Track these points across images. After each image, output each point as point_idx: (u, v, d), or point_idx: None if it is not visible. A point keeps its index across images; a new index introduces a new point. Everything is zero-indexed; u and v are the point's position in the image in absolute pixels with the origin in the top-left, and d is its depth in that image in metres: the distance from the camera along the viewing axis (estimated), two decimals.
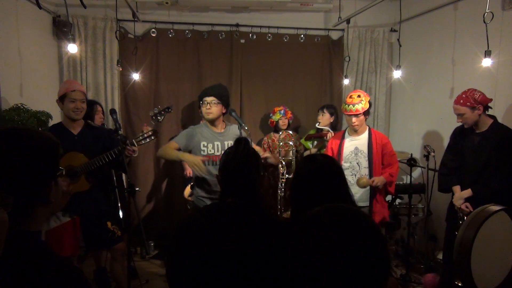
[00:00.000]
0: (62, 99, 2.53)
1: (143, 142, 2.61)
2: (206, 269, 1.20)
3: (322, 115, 3.90)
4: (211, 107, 2.66)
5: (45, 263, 0.88)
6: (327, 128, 3.74)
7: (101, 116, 3.32)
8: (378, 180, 2.78)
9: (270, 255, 1.21)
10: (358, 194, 2.90)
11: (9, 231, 0.83)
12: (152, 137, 2.62)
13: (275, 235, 1.26)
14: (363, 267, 0.70)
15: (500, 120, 3.07)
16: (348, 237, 0.71)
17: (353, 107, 2.82)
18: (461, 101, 2.64)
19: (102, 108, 3.46)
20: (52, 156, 0.91)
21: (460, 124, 2.81)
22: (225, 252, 1.21)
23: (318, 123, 3.87)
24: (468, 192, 2.71)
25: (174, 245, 1.27)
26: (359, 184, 2.77)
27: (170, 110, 2.88)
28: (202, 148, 2.64)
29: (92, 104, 3.33)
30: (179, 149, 2.62)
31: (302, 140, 4.01)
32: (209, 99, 2.67)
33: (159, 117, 2.83)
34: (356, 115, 2.84)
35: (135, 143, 2.59)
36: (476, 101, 2.59)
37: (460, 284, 2.62)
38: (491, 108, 2.70)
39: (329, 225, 0.73)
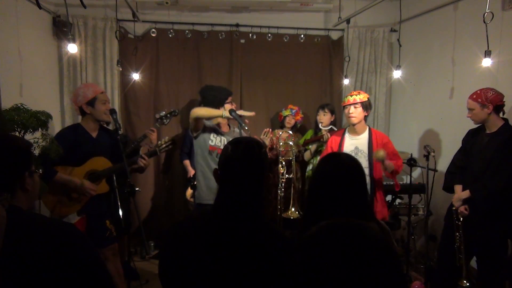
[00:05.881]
0: (91, 102, 2.57)
1: (163, 151, 2.83)
2: (194, 281, 1.13)
3: (324, 114, 3.83)
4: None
5: (37, 220, 1.09)
6: (330, 127, 3.74)
7: None
8: (389, 162, 2.77)
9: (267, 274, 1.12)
10: None
11: None
12: (170, 146, 2.83)
13: (275, 254, 1.14)
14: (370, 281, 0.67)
15: None
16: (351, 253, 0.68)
17: (351, 97, 2.90)
18: (474, 96, 2.65)
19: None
20: (23, 153, 1.15)
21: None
22: (214, 268, 1.12)
23: (320, 123, 3.85)
24: (466, 194, 2.68)
25: (162, 252, 1.23)
26: (378, 155, 2.73)
27: (176, 113, 2.93)
28: (212, 138, 2.86)
29: None
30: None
31: (301, 141, 4.00)
32: (230, 98, 2.95)
33: (165, 120, 2.90)
34: (354, 105, 2.87)
35: (157, 151, 2.78)
36: (487, 99, 2.58)
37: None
38: (503, 111, 2.66)
39: (331, 241, 0.71)
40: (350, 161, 1.43)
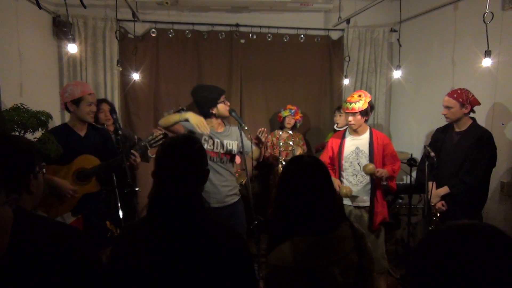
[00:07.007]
0: (77, 101, 2.52)
1: (154, 145, 2.70)
2: None
3: (340, 115, 3.82)
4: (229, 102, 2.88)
5: (41, 222, 1.08)
6: (345, 127, 3.74)
7: (106, 114, 3.28)
8: (383, 171, 2.78)
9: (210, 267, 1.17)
10: (360, 194, 2.90)
11: None
12: (163, 140, 2.68)
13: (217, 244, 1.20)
14: None
15: (499, 119, 3.08)
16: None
17: (350, 105, 2.85)
18: (455, 95, 2.75)
19: (111, 106, 3.38)
20: (27, 155, 1.14)
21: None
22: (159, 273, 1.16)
23: (336, 124, 3.86)
24: (444, 190, 2.77)
25: (108, 266, 1.23)
26: (366, 169, 2.76)
27: (184, 111, 2.91)
28: (203, 142, 2.69)
29: (99, 103, 3.29)
30: None
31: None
32: (223, 97, 2.80)
33: None
34: (353, 114, 2.85)
35: (148, 146, 2.67)
36: (467, 99, 2.71)
37: None
38: (474, 112, 2.79)
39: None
40: (313, 163, 1.41)
